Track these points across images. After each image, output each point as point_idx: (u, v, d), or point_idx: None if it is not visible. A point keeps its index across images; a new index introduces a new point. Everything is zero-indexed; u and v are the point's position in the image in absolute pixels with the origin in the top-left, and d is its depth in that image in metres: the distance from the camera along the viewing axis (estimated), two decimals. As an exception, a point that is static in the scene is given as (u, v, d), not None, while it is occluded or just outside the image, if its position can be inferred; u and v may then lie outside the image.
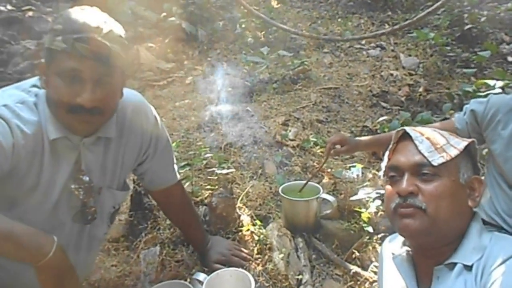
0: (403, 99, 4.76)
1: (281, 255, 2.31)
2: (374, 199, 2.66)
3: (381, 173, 1.51)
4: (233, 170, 3.05)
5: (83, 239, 1.80)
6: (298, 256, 2.38)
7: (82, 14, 1.50)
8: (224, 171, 2.96)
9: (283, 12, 7.42)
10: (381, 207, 2.61)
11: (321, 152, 3.46)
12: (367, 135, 3.83)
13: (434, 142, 1.37)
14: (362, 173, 3.14)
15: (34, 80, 1.63)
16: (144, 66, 5.53)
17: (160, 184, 2.09)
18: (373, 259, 2.39)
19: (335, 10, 7.62)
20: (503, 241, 1.33)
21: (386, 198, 1.43)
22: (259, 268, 2.28)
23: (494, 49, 5.32)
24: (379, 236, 2.50)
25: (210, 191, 2.73)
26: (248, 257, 2.33)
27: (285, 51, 5.53)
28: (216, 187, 2.80)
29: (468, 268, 1.29)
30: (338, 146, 2.50)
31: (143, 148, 1.90)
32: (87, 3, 1.59)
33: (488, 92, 4.17)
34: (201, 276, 2.05)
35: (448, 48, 5.82)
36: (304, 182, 2.64)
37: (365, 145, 2.58)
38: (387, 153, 1.48)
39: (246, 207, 2.70)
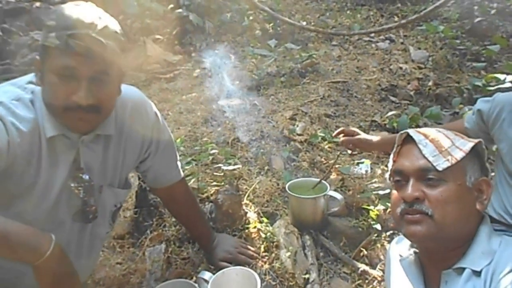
0: (412, 93, 4.71)
1: (288, 253, 2.28)
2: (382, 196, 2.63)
3: (387, 175, 1.48)
4: (240, 166, 3.02)
5: (84, 238, 1.78)
6: (305, 254, 2.35)
7: (76, 10, 1.46)
8: (231, 167, 2.93)
9: (291, 4, 7.39)
10: (389, 204, 2.58)
11: (329, 147, 3.43)
12: (376, 130, 3.81)
13: (439, 145, 1.33)
14: (371, 168, 3.10)
15: (30, 76, 1.60)
16: (151, 58, 5.51)
17: (163, 181, 2.07)
18: (382, 257, 2.36)
19: (344, 2, 7.58)
20: None
21: (392, 203, 1.41)
22: (266, 266, 2.25)
23: (504, 43, 5.27)
24: (388, 233, 2.47)
25: (216, 188, 2.71)
26: (255, 255, 2.30)
27: (293, 44, 5.50)
28: (222, 183, 2.77)
29: (477, 273, 1.26)
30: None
31: (145, 145, 1.87)
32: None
33: (498, 86, 4.13)
34: (207, 275, 2.03)
35: (458, 41, 5.77)
36: (312, 179, 2.61)
37: (377, 145, 2.55)
38: (391, 156, 1.45)
39: (253, 203, 2.68)
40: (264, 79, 4.82)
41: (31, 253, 1.31)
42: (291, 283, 2.18)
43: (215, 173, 2.91)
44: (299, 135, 3.55)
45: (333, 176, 2.98)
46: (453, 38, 5.79)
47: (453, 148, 1.33)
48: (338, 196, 2.51)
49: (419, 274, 1.45)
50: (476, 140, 1.37)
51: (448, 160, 1.30)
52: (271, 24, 6.42)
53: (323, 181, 2.56)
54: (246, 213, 2.56)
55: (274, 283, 2.17)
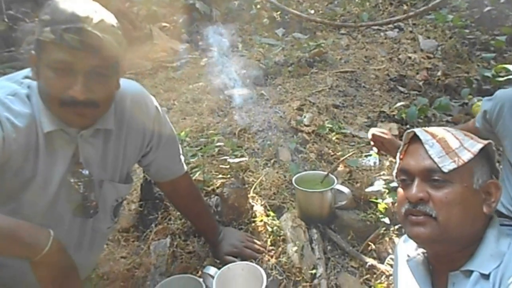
0: (421, 83, 4.67)
1: (295, 248, 2.26)
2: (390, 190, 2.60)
3: (394, 173, 1.45)
4: (246, 158, 2.99)
5: (85, 233, 1.77)
6: (312, 248, 2.32)
7: (71, 4, 1.44)
8: (237, 160, 2.90)
9: (300, -9, 7.31)
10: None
11: (337, 138, 3.39)
12: (384, 121, 3.77)
13: (446, 146, 1.29)
14: (380, 160, 3.06)
15: (27, 71, 1.58)
16: (157, 46, 5.47)
17: (166, 175, 2.05)
18: (390, 251, 2.33)
19: (353, -10, 7.49)
20: None
21: (398, 202, 1.38)
22: (273, 260, 2.23)
23: (513, 33, 5.22)
24: (396, 227, 2.43)
25: (222, 181, 2.68)
26: (261, 249, 2.28)
27: (301, 33, 5.46)
28: (229, 176, 2.74)
29: (485, 276, 1.23)
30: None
31: (146, 139, 1.85)
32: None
33: (508, 77, 4.08)
34: (212, 270, 2.00)
35: (467, 30, 5.72)
36: (319, 172, 2.60)
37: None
38: (398, 154, 1.41)
39: (260, 196, 2.65)
40: (271, 68, 4.77)
41: (29, 249, 1.30)
42: (298, 278, 2.15)
43: (221, 166, 2.87)
44: (307, 126, 3.51)
45: (340, 168, 2.94)
46: (462, 28, 5.74)
47: (461, 149, 1.28)
48: (345, 190, 2.47)
49: (427, 275, 1.42)
50: (486, 142, 1.32)
51: (454, 161, 1.25)
52: (278, 13, 6.36)
53: (330, 174, 2.53)
54: (252, 206, 2.53)
55: (280, 277, 2.15)
